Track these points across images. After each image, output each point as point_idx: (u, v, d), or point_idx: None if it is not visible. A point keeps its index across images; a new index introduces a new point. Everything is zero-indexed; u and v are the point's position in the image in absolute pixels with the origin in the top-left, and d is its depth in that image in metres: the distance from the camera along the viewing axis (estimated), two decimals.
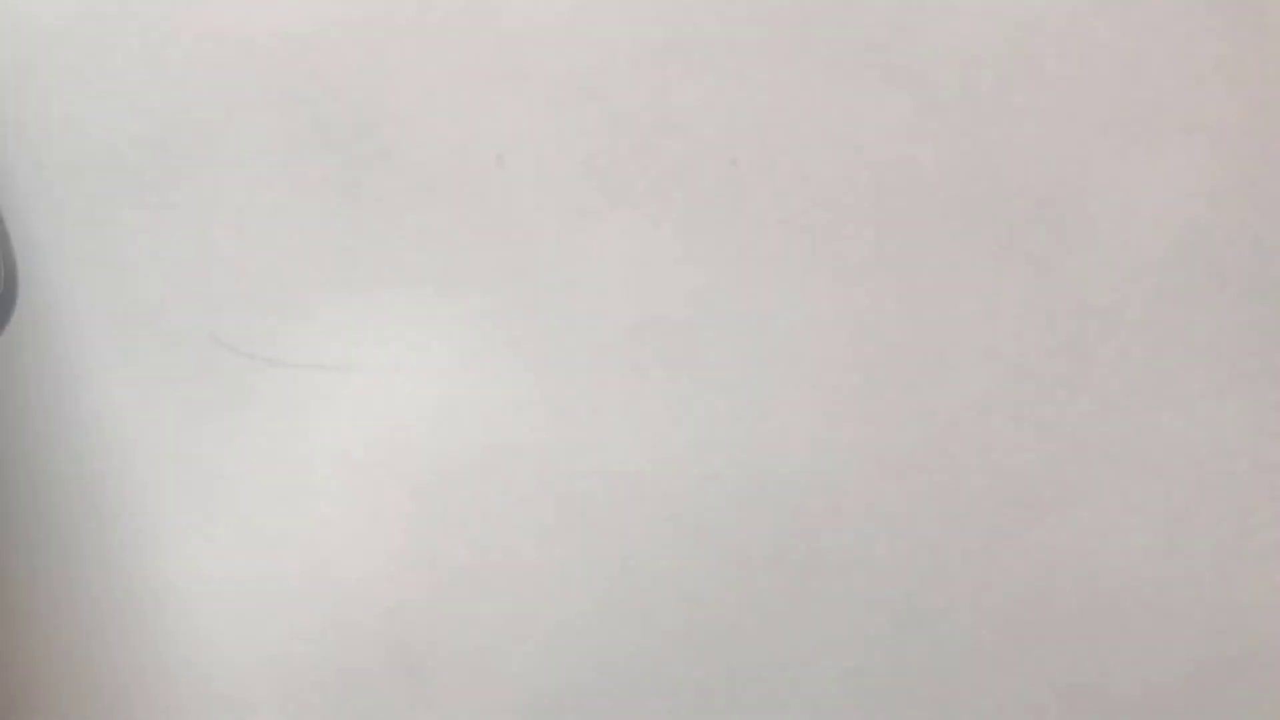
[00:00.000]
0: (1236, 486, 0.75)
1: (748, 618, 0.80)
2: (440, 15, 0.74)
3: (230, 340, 0.78)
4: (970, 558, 0.77)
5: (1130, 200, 0.73)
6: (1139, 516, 0.76)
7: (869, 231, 0.74)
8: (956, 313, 0.75)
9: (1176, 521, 0.76)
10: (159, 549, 0.81)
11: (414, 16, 0.74)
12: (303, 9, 0.74)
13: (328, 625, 0.81)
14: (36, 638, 0.83)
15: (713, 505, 0.78)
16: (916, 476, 0.77)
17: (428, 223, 0.76)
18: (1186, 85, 0.71)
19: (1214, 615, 0.77)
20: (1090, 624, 0.78)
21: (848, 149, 0.74)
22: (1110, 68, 0.72)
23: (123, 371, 0.79)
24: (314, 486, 0.80)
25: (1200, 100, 0.72)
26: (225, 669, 0.82)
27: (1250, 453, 0.75)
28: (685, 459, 0.78)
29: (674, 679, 0.81)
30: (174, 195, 0.77)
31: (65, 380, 0.79)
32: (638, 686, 0.81)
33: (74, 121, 0.76)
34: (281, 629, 0.82)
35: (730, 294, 0.76)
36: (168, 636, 0.82)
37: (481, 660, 0.81)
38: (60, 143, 0.76)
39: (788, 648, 0.80)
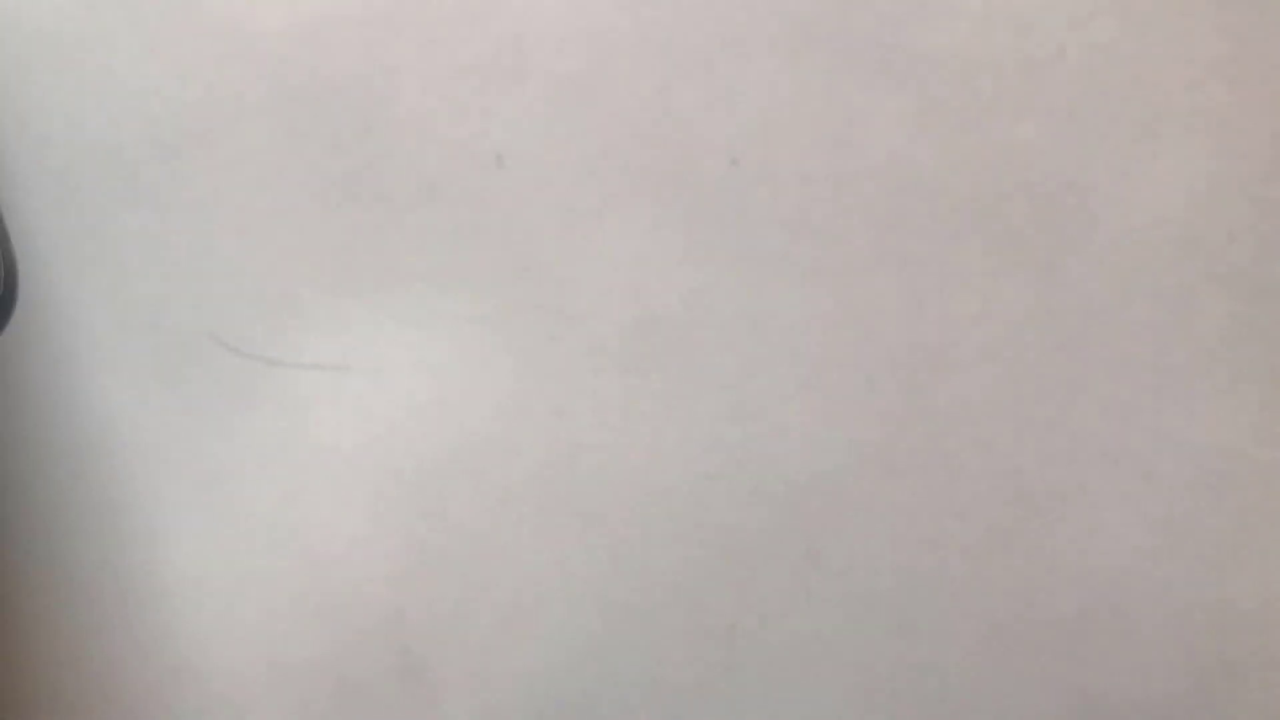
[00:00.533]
0: (1236, 487, 0.75)
1: (747, 617, 0.80)
2: (440, 15, 0.74)
3: (230, 340, 0.78)
4: (970, 558, 0.77)
5: (1130, 200, 0.73)
6: (1139, 516, 0.76)
7: (869, 231, 0.74)
8: (956, 313, 0.75)
9: (1176, 521, 0.76)
10: (159, 549, 0.81)
11: (414, 16, 0.74)
12: (303, 8, 0.74)
13: (328, 625, 0.81)
14: (36, 638, 0.83)
15: (712, 505, 0.78)
16: (916, 476, 0.77)
17: (428, 223, 0.76)
18: (1186, 85, 0.71)
19: (1214, 616, 0.77)
20: (1089, 624, 0.78)
21: (848, 149, 0.74)
22: (1110, 68, 0.72)
23: (123, 371, 0.79)
24: (314, 486, 0.80)
25: (1200, 100, 0.72)
26: (224, 669, 0.82)
27: (1250, 453, 0.75)
28: (685, 459, 0.78)
29: (674, 678, 0.81)
30: (174, 195, 0.77)
31: (65, 380, 0.79)
32: (638, 686, 0.81)
33: (74, 121, 0.76)
34: (281, 629, 0.82)
35: (730, 294, 0.76)
36: (168, 636, 0.82)
37: (481, 660, 0.81)
38: (60, 143, 0.77)
39: (787, 647, 0.80)
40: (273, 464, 0.79)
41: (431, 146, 0.75)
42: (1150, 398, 0.75)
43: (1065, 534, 0.77)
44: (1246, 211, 0.72)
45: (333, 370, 0.78)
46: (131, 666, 0.82)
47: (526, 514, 0.79)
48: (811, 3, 0.72)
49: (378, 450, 0.79)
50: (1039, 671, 0.79)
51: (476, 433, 0.78)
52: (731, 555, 0.79)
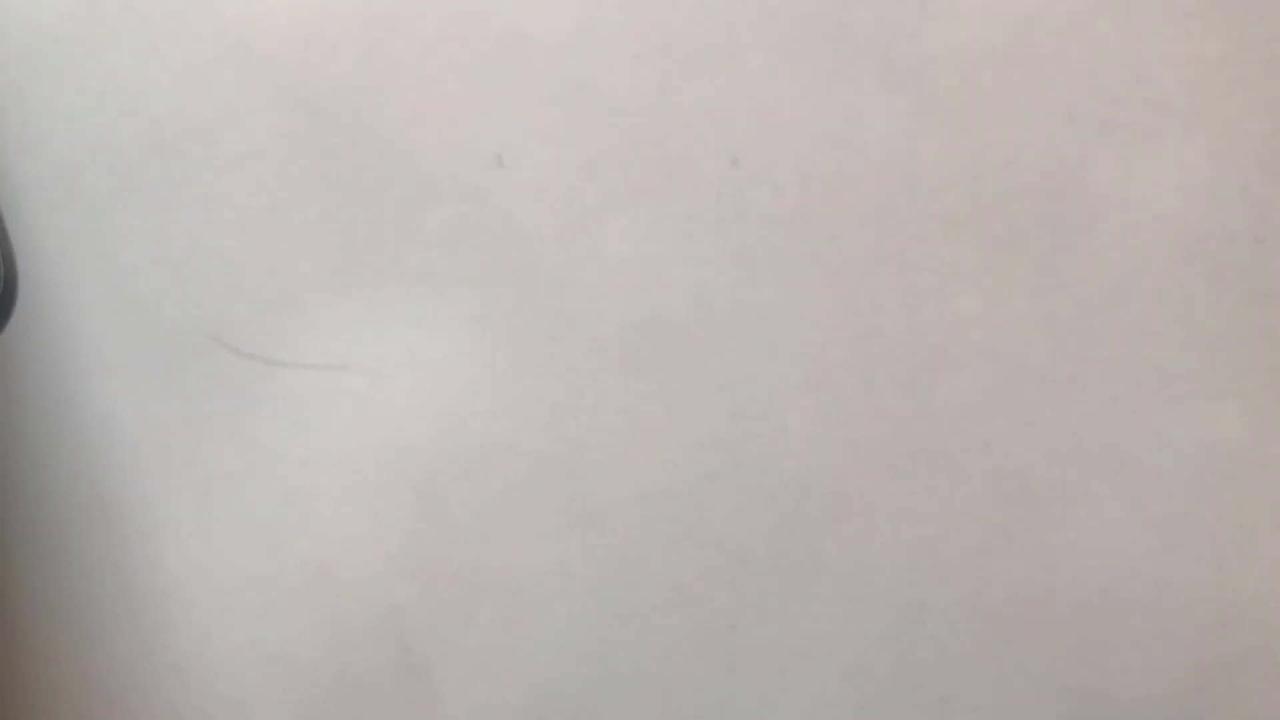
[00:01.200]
0: (1236, 487, 0.75)
1: (747, 617, 0.80)
2: (440, 15, 0.74)
3: (231, 340, 0.78)
4: (970, 558, 0.77)
5: (1130, 200, 0.73)
6: (1139, 516, 0.76)
7: (869, 231, 0.74)
8: (956, 313, 0.75)
9: (1176, 521, 0.76)
10: (159, 549, 0.81)
11: (414, 16, 0.74)
12: (303, 9, 0.74)
13: (328, 625, 0.81)
14: (37, 638, 0.83)
15: (712, 505, 0.78)
16: (916, 476, 0.77)
17: (428, 223, 0.76)
18: (1186, 85, 0.71)
19: (1214, 615, 0.77)
20: (1090, 624, 0.78)
21: (848, 149, 0.74)
22: (1110, 68, 0.72)
23: (123, 371, 0.79)
24: (314, 486, 0.80)
25: (1200, 100, 0.72)
26: (225, 669, 0.82)
27: (1250, 453, 0.75)
28: (685, 459, 0.78)
29: (674, 679, 0.81)
30: (174, 195, 0.77)
31: (65, 380, 0.79)
32: (637, 686, 0.81)
33: (74, 121, 0.76)
34: (281, 629, 0.82)
35: (730, 294, 0.76)
36: (168, 636, 0.82)
37: (481, 660, 0.81)
38: (60, 143, 0.77)
39: (787, 647, 0.80)
40: (273, 464, 0.79)
41: (431, 146, 0.75)
42: (1150, 398, 0.75)
43: (1065, 534, 0.77)
44: (1246, 211, 0.72)
45: (333, 370, 0.78)
46: (131, 666, 0.82)
47: (526, 514, 0.79)
48: (811, 3, 0.72)
49: (377, 450, 0.79)
50: (1039, 671, 0.79)
51: (476, 433, 0.78)
52: (731, 555, 0.79)
